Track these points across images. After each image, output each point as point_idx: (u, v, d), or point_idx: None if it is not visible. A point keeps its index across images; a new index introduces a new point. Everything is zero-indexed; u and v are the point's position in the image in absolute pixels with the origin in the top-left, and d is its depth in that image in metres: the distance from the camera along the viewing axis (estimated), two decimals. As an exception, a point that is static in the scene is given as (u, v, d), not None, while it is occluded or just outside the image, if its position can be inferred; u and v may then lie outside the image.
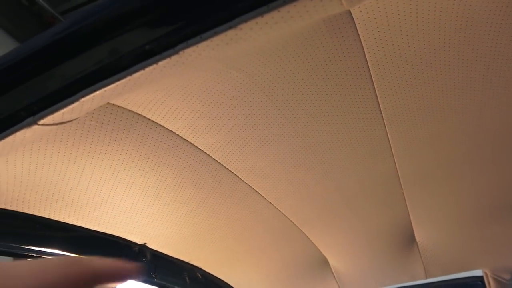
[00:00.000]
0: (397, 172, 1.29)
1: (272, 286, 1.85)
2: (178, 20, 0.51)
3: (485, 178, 1.37)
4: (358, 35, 0.83)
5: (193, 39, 0.54)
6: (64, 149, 0.84)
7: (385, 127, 1.10)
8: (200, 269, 1.58)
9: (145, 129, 0.94)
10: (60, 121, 0.62)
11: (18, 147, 0.69)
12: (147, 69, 0.56)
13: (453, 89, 1.01)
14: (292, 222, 1.46)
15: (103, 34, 0.52)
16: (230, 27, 0.53)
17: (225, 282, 1.70)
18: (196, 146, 1.06)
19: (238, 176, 1.20)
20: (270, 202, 1.34)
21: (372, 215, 1.52)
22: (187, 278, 1.55)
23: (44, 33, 0.53)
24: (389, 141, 1.15)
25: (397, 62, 0.92)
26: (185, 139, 1.03)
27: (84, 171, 0.97)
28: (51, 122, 0.61)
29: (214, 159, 1.12)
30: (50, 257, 1.12)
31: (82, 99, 0.57)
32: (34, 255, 1.09)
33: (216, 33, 0.54)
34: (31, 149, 0.79)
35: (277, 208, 1.37)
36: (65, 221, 1.12)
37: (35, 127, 0.61)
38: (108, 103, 0.82)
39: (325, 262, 1.77)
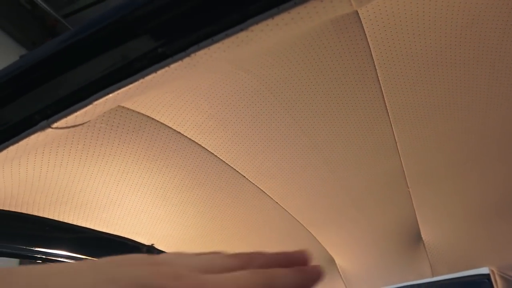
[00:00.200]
0: (403, 170, 1.29)
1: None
2: (191, 23, 0.52)
3: (491, 176, 1.37)
4: (365, 34, 0.83)
5: (205, 41, 0.55)
6: (75, 151, 0.85)
7: (391, 126, 1.10)
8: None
9: (153, 131, 0.95)
10: (73, 124, 0.63)
11: (30, 150, 0.70)
12: (159, 72, 0.56)
13: (459, 88, 1.01)
14: (298, 221, 1.47)
15: (116, 38, 0.53)
16: (241, 29, 0.54)
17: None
18: (203, 147, 1.06)
19: (245, 177, 1.21)
20: (277, 202, 1.35)
21: (378, 214, 1.52)
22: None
23: (58, 38, 0.54)
24: (395, 140, 1.16)
25: (403, 61, 0.92)
26: (192, 140, 1.03)
27: (93, 173, 0.98)
28: (64, 125, 0.62)
29: (221, 159, 1.12)
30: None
31: (95, 102, 0.58)
32: (44, 257, 1.10)
33: (227, 35, 0.55)
34: (43, 152, 0.79)
35: (283, 208, 1.38)
36: (74, 223, 1.13)
37: (48, 130, 0.61)
38: (118, 105, 0.83)
39: (331, 262, 1.77)
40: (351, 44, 0.85)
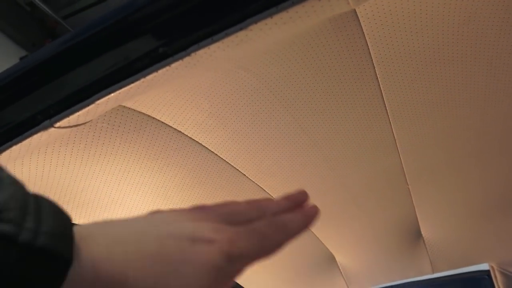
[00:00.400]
0: (403, 168, 1.30)
1: (279, 284, 1.86)
2: (191, 23, 0.53)
3: (490, 172, 1.38)
4: (363, 32, 0.84)
5: (205, 41, 0.56)
6: (77, 151, 0.86)
7: (390, 123, 1.11)
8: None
9: (154, 130, 0.96)
10: (75, 124, 0.64)
11: (33, 150, 0.71)
12: (160, 71, 0.57)
13: (457, 85, 1.02)
14: (299, 219, 1.47)
15: (117, 38, 0.54)
16: (241, 28, 0.54)
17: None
18: (204, 146, 1.07)
19: (245, 175, 1.22)
20: (277, 200, 1.35)
21: (378, 211, 1.53)
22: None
23: (60, 39, 0.55)
24: (394, 137, 1.16)
25: (401, 59, 0.93)
26: (193, 139, 1.04)
27: (95, 172, 0.98)
28: (67, 125, 0.63)
29: (222, 158, 1.13)
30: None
31: (97, 102, 0.59)
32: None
33: (227, 35, 0.55)
34: (45, 152, 0.80)
35: (284, 206, 1.39)
36: (76, 222, 1.14)
37: (51, 129, 0.62)
38: (119, 105, 0.84)
39: (332, 259, 1.78)
40: (349, 42, 0.86)
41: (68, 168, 0.93)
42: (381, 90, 1.01)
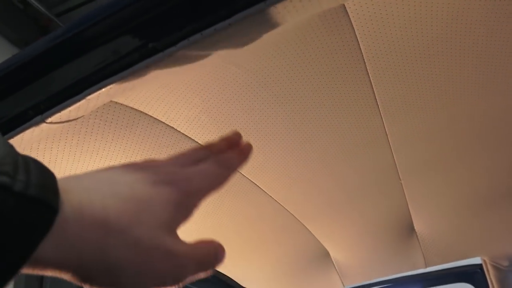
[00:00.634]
0: (395, 163, 1.31)
1: (274, 280, 1.88)
2: (180, 18, 0.53)
3: (482, 166, 1.39)
4: (353, 28, 0.85)
5: (194, 36, 0.56)
6: (69, 147, 0.86)
7: (381, 118, 1.12)
8: (203, 264, 1.59)
9: (146, 126, 0.96)
10: (67, 119, 0.64)
11: (25, 146, 0.71)
12: (150, 66, 0.58)
13: (446, 80, 1.03)
14: (293, 215, 1.48)
15: (107, 33, 0.54)
16: (230, 24, 0.55)
17: (228, 277, 1.72)
18: (196, 142, 1.08)
19: (239, 171, 1.23)
20: (271, 196, 1.36)
21: (371, 206, 1.54)
22: (190, 273, 1.57)
23: (50, 34, 0.55)
24: (386, 132, 1.17)
25: (391, 54, 0.94)
26: (185, 135, 1.05)
27: (88, 168, 0.99)
28: (58, 120, 0.63)
29: (215, 154, 1.13)
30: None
31: (88, 97, 0.59)
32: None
33: (216, 30, 0.56)
34: (38, 148, 0.81)
35: (278, 202, 1.40)
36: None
37: (43, 125, 0.62)
38: (111, 101, 0.84)
39: (326, 255, 1.79)
40: (340, 37, 0.87)
41: (61, 165, 0.93)
42: (372, 85, 1.02)
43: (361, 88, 1.02)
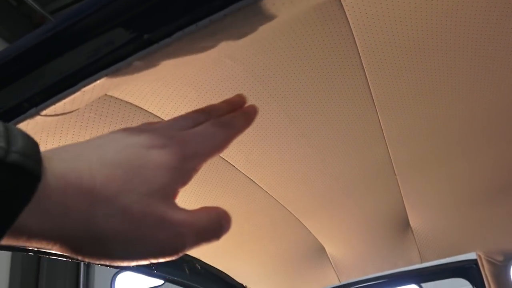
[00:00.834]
0: (390, 158, 1.31)
1: (270, 275, 1.88)
2: (175, 9, 0.53)
3: (478, 161, 1.40)
4: (348, 21, 0.85)
5: (189, 27, 0.56)
6: (64, 142, 0.86)
7: (377, 113, 1.12)
8: (199, 260, 1.60)
9: (142, 120, 0.96)
10: (62, 112, 0.64)
11: (20, 139, 0.71)
12: (145, 58, 0.57)
13: (443, 74, 1.04)
14: (288, 211, 1.48)
15: (102, 24, 0.54)
16: (225, 15, 0.55)
17: (224, 273, 1.72)
18: (192, 137, 1.07)
19: (234, 166, 1.23)
20: (267, 192, 1.36)
21: (367, 201, 1.54)
22: (186, 269, 1.57)
23: (44, 26, 0.55)
24: (381, 127, 1.18)
25: (387, 48, 0.94)
26: (181, 130, 1.04)
27: (83, 164, 0.98)
28: (53, 113, 0.63)
29: (211, 149, 1.13)
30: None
31: (83, 89, 0.59)
32: (35, 249, 1.11)
33: (212, 21, 0.56)
34: (32, 142, 0.80)
35: (273, 197, 1.40)
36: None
37: (37, 118, 0.62)
38: (106, 95, 0.84)
39: (322, 250, 1.80)
40: (335, 31, 0.87)
41: (56, 159, 0.92)
42: (367, 80, 1.02)
43: (356, 83, 1.02)
